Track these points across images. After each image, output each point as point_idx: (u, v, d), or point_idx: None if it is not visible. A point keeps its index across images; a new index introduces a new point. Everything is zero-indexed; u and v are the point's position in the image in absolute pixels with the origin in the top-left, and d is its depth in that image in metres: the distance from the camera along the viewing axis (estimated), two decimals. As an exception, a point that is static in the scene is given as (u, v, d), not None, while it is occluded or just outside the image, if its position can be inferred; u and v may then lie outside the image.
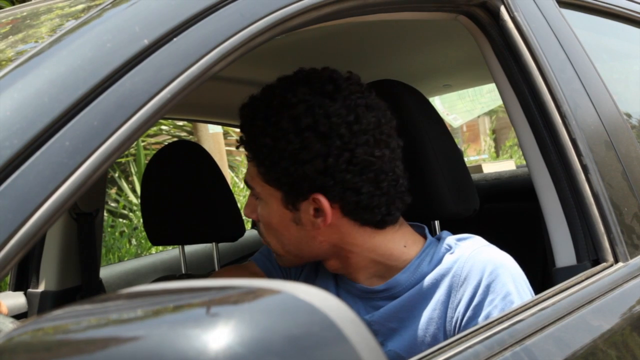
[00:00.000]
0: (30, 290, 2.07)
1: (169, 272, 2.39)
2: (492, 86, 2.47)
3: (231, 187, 2.69)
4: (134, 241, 5.37)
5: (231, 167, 7.33)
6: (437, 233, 1.36)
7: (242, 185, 6.68)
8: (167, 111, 0.80)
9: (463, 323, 1.14)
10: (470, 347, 0.88)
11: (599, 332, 1.06)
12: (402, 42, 1.98)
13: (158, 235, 1.89)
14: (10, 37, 1.02)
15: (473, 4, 1.26)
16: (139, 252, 5.14)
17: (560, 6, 1.41)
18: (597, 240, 1.18)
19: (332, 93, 1.14)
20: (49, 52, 0.81)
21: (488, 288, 1.13)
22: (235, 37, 0.88)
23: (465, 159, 2.95)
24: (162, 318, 0.55)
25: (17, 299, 2.06)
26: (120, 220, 5.71)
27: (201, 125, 6.10)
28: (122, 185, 6.14)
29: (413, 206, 1.22)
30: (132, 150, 6.15)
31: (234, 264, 2.16)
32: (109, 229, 5.21)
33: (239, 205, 1.84)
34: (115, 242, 5.05)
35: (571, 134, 1.22)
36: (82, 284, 2.06)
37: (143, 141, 6.39)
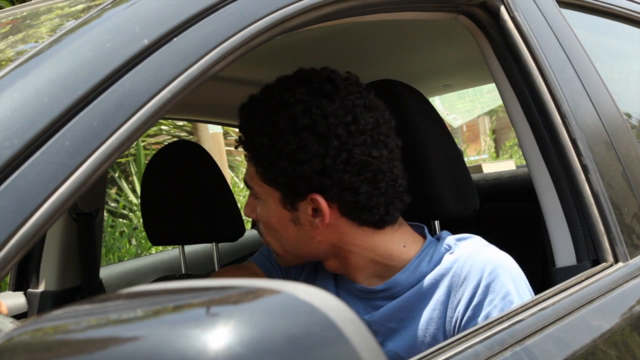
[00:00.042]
0: (30, 290, 2.07)
1: (169, 272, 2.39)
2: (492, 86, 2.47)
3: (231, 187, 2.70)
4: (134, 241, 5.38)
5: (231, 167, 7.33)
6: (437, 233, 1.36)
7: (242, 185, 6.68)
8: (167, 111, 0.80)
9: (463, 323, 1.14)
10: (470, 347, 0.88)
11: (599, 332, 1.06)
12: (402, 42, 1.98)
13: (158, 235, 1.89)
14: (10, 37, 1.02)
15: (473, 4, 1.26)
16: (139, 252, 5.14)
17: (560, 6, 1.41)
18: (597, 240, 1.18)
19: (330, 93, 1.14)
20: (49, 52, 0.81)
21: (488, 288, 1.13)
22: (235, 37, 0.88)
23: (465, 159, 2.96)
24: (162, 318, 0.55)
25: (17, 299, 2.06)
26: (120, 220, 5.71)
27: (201, 125, 6.10)
28: (122, 185, 6.14)
29: (413, 206, 1.22)
30: (132, 150, 6.15)
31: (234, 264, 2.16)
32: (109, 229, 5.21)
33: (239, 205, 1.84)
34: (115, 242, 5.05)
35: (571, 134, 1.22)
36: (82, 284, 2.06)
37: (143, 141, 6.39)
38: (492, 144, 12.83)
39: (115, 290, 0.64)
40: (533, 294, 1.15)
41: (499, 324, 0.94)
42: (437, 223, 1.43)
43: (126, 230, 5.41)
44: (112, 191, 6.13)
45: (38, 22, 1.08)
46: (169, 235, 1.89)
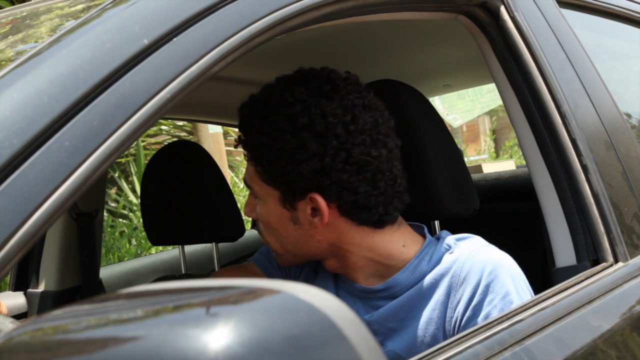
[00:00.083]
0: (30, 290, 2.07)
1: (169, 272, 2.39)
2: (492, 86, 2.47)
3: (231, 187, 2.69)
4: (134, 241, 5.37)
5: (231, 167, 7.33)
6: (437, 233, 1.36)
7: (242, 185, 6.68)
8: (167, 111, 0.80)
9: (462, 323, 1.14)
10: (470, 347, 0.88)
11: (598, 332, 1.06)
12: (402, 42, 1.98)
13: (158, 235, 1.89)
14: (10, 37, 1.02)
15: (473, 4, 1.26)
16: (139, 252, 5.14)
17: (560, 6, 1.41)
18: (597, 240, 1.18)
19: (330, 93, 1.14)
20: (48, 52, 0.81)
21: (487, 288, 1.13)
22: (235, 37, 0.88)
23: (465, 159, 2.95)
24: (162, 318, 0.55)
25: (17, 299, 2.06)
26: (120, 220, 5.71)
27: (201, 125, 6.10)
28: (122, 185, 6.14)
29: (413, 206, 1.22)
30: (132, 150, 6.15)
31: (234, 264, 2.16)
32: (109, 229, 5.21)
33: (239, 205, 1.84)
34: (115, 242, 5.05)
35: (571, 134, 1.22)
36: (82, 284, 2.06)
37: (143, 141, 6.39)
38: (492, 144, 12.83)
39: (115, 290, 0.64)
40: (533, 294, 1.15)
41: (498, 324, 0.94)
42: (437, 223, 1.43)
43: (126, 230, 5.41)
44: (112, 191, 6.13)
45: (38, 22, 1.08)
46: (168, 235, 1.89)
